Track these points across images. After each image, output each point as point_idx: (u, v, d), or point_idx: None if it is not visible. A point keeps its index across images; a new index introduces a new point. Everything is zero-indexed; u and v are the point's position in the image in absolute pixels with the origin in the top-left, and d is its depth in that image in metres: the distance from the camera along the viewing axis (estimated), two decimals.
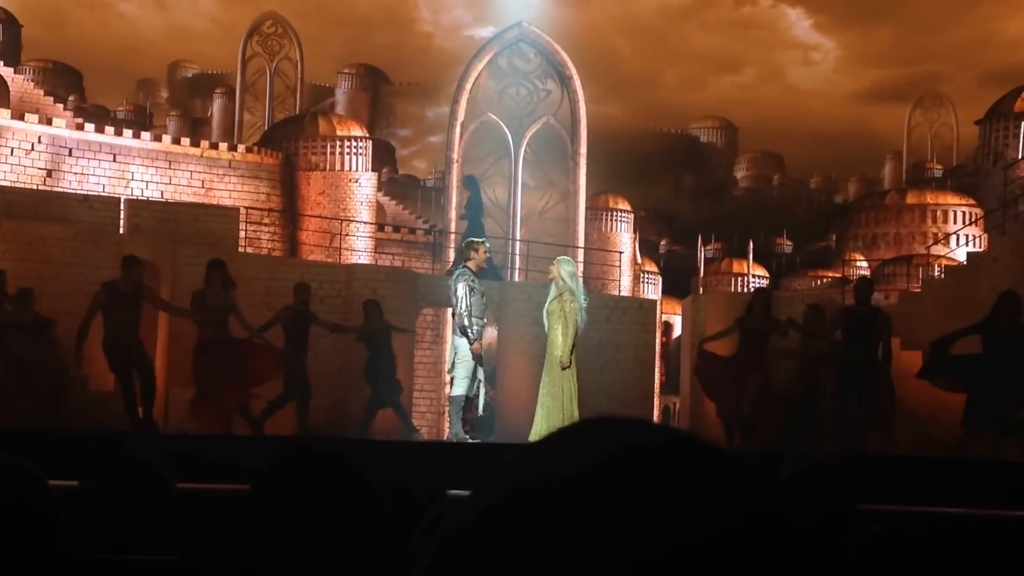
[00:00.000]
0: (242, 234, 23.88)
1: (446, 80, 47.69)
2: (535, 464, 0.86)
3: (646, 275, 35.01)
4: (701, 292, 29.72)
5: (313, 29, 41.00)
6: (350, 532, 1.94)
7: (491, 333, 21.00)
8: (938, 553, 3.44)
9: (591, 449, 0.85)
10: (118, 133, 27.05)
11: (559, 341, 13.25)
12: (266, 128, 36.59)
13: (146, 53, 45.00)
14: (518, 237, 29.08)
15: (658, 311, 24.10)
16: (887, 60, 45.24)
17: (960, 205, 34.50)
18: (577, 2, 34.02)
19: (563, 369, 13.19)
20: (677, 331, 30.03)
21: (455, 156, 29.93)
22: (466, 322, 13.04)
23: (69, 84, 43.27)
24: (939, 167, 43.85)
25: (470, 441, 12.90)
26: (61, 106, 30.68)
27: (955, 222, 33.65)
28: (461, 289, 13.09)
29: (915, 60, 47.75)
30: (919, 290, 20.39)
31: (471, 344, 13.15)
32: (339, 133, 30.51)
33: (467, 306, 13.02)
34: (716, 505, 0.83)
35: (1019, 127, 33.08)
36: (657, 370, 22.13)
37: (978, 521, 7.95)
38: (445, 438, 16.54)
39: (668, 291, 33.63)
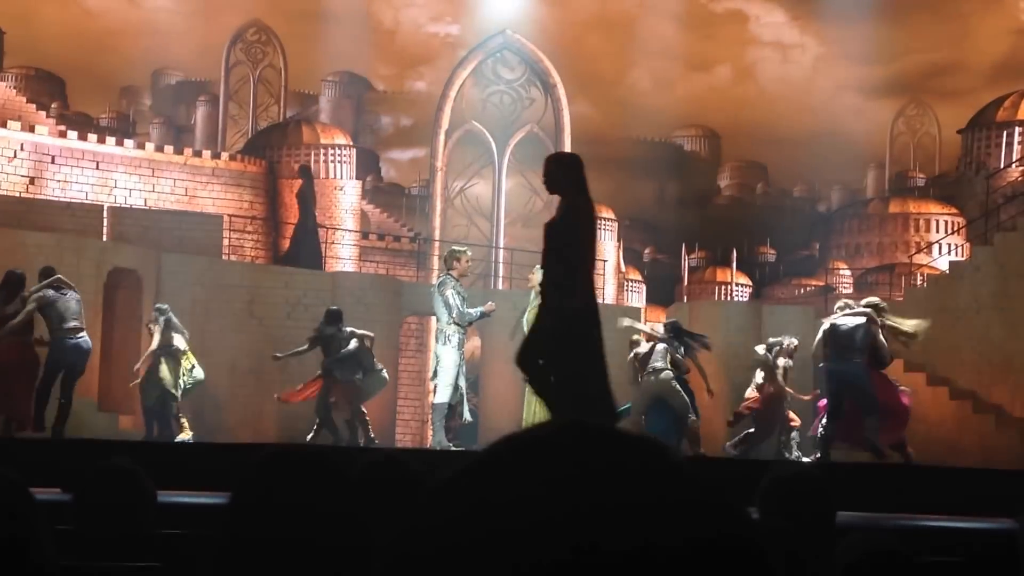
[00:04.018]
0: (225, 242, 23.85)
1: (412, 76, 47.74)
2: (497, 479, 0.86)
3: (630, 283, 35.05)
4: (685, 300, 29.78)
5: (270, 24, 40.83)
6: (332, 536, 1.95)
7: (475, 341, 21.00)
8: (916, 566, 3.45)
9: (555, 463, 0.86)
10: (101, 140, 26.98)
11: None
12: (250, 136, 36.54)
13: (120, 52, 44.66)
14: (502, 245, 29.10)
15: (642, 319, 24.14)
16: (869, 59, 45.16)
17: (942, 214, 34.62)
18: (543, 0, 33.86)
19: None
20: None
21: (439, 164, 29.94)
22: (468, 314, 13.26)
23: (52, 91, 43.08)
24: (922, 176, 43.98)
25: (453, 449, 12.91)
26: (44, 113, 30.57)
27: (937, 231, 33.77)
28: (451, 297, 13.16)
29: (896, 58, 47.73)
30: (901, 299, 20.45)
31: (484, 315, 13.79)
32: (323, 141, 30.49)
33: (460, 308, 13.17)
34: (682, 527, 0.83)
35: (1001, 136, 33.21)
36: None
37: (963, 530, 7.98)
38: (428, 445, 16.53)
39: (652, 299, 33.65)
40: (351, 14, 42.23)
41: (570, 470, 0.85)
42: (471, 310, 13.49)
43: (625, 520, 0.82)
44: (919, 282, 25.31)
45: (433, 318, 14.91)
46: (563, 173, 9.51)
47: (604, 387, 9.41)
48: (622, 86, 48.87)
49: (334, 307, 16.95)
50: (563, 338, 9.26)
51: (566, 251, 9.26)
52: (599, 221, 33.00)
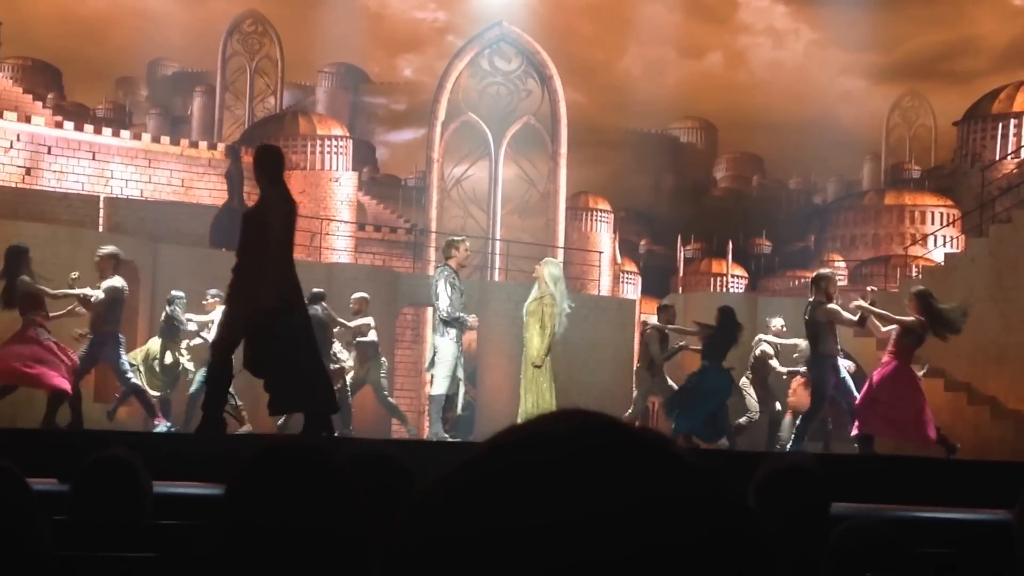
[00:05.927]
0: None
1: (402, 63, 47.72)
2: (499, 473, 0.87)
3: (626, 275, 35.07)
4: (680, 292, 29.77)
5: (261, 8, 40.77)
6: (326, 530, 1.96)
7: (471, 333, 21.02)
8: (914, 555, 3.47)
9: (558, 458, 0.86)
10: (97, 131, 26.96)
11: (535, 342, 13.54)
12: (246, 127, 36.52)
13: (115, 42, 44.60)
14: (498, 236, 29.10)
15: (637, 311, 24.15)
16: (863, 45, 45.07)
17: (938, 206, 34.65)
18: None
19: (536, 367, 13.51)
20: None
21: (436, 155, 29.93)
22: (456, 314, 13.12)
23: (48, 82, 43.07)
24: (917, 168, 44.00)
25: (450, 440, 12.92)
26: (40, 104, 30.54)
27: (933, 223, 33.80)
28: (442, 286, 13.14)
29: (891, 44, 47.61)
30: (896, 290, 20.46)
31: (465, 324, 13.32)
32: (319, 132, 30.46)
33: (449, 301, 13.09)
34: (682, 524, 0.83)
35: (996, 128, 33.23)
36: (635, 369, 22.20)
37: (955, 522, 8.00)
38: (425, 437, 16.55)
39: (647, 291, 33.68)
40: (341, 1, 42.23)
41: (573, 466, 0.85)
42: (460, 314, 13.27)
43: (630, 520, 0.83)
44: (914, 274, 25.34)
45: (430, 309, 14.91)
46: (258, 166, 9.80)
47: (310, 375, 9.64)
48: (614, 73, 48.82)
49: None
50: (256, 331, 9.49)
51: (257, 242, 9.44)
52: (595, 212, 33.10)
